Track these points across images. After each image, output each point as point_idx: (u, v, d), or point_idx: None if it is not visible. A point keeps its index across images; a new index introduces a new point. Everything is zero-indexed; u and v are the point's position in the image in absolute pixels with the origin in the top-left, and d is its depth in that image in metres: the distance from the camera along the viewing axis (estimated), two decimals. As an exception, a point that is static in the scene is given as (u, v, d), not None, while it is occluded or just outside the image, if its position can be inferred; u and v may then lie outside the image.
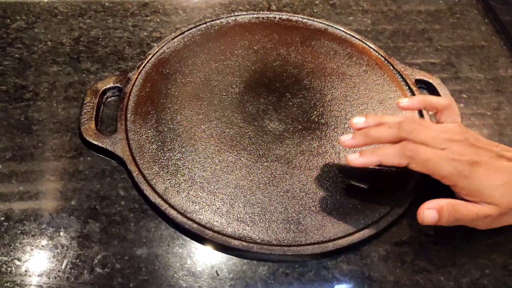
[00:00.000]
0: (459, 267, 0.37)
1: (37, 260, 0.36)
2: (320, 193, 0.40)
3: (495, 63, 0.55)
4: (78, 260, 0.36)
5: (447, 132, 0.37)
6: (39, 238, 0.37)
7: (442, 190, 0.37)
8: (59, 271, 0.36)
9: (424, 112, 0.47)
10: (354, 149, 0.41)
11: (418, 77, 0.51)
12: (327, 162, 0.43)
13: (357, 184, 0.41)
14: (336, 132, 0.45)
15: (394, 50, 0.55)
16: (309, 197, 0.40)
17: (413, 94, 0.49)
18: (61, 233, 0.38)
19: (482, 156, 0.36)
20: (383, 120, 0.39)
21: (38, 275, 0.35)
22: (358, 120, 0.40)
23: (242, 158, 0.42)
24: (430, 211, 0.35)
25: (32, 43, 0.52)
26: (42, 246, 0.37)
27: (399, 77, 0.51)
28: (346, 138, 0.39)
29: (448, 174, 0.35)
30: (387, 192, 0.41)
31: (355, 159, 0.38)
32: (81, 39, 0.53)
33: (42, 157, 0.42)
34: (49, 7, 0.57)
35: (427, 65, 0.54)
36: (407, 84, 0.50)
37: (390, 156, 0.36)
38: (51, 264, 0.36)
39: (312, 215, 0.39)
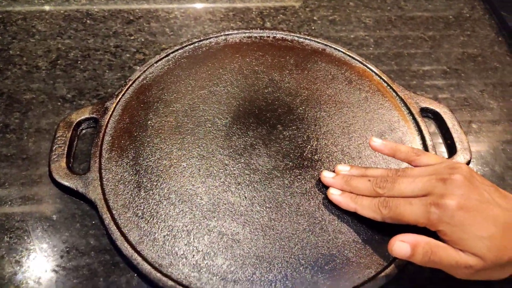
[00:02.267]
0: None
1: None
2: (311, 244, 0.36)
3: (510, 88, 0.50)
4: (39, 323, 0.33)
5: (430, 174, 0.34)
6: (-2, 296, 0.34)
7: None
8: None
9: (429, 142, 0.43)
10: None
11: (424, 105, 0.46)
12: (319, 206, 0.38)
13: (352, 235, 0.37)
14: (330, 169, 0.41)
15: (398, 73, 0.51)
16: (299, 249, 0.36)
17: (418, 125, 0.45)
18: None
19: (470, 199, 0.31)
20: (367, 173, 0.38)
21: None
22: (342, 168, 0.40)
23: (226, 203, 0.38)
24: (403, 245, 0.32)
25: (6, 67, 0.49)
26: (1, 305, 0.33)
27: (403, 105, 0.46)
28: (328, 176, 0.39)
29: (426, 221, 0.32)
30: (385, 243, 0.37)
31: (335, 195, 0.38)
32: (58, 61, 0.49)
33: (9, 199, 0.39)
34: (26, 25, 0.53)
35: (433, 90, 0.49)
36: (411, 114, 0.46)
37: (365, 208, 0.36)
38: (8, 328, 0.32)
39: (302, 271, 0.35)
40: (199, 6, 0.57)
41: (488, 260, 0.31)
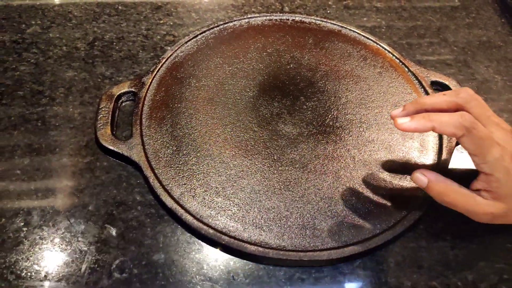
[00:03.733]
0: (476, 272, 0.37)
1: (56, 265, 0.37)
2: (336, 198, 0.40)
3: (512, 63, 0.54)
4: (96, 265, 0.37)
5: (496, 117, 0.36)
6: (58, 243, 0.38)
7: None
8: (78, 276, 0.36)
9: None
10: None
11: (433, 79, 0.50)
12: (342, 166, 0.43)
13: (373, 189, 0.41)
14: (350, 136, 0.45)
15: (409, 51, 0.55)
16: (324, 202, 0.40)
17: (429, 96, 0.49)
18: (79, 238, 0.38)
19: None
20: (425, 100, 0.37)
21: (57, 280, 0.36)
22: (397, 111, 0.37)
23: (256, 163, 0.42)
24: (422, 177, 0.36)
25: (48, 48, 0.53)
26: (61, 251, 0.37)
27: (414, 79, 0.50)
28: (396, 112, 0.37)
29: (493, 161, 0.33)
30: (404, 197, 0.41)
31: (405, 123, 0.34)
32: (96, 43, 0.54)
33: (60, 163, 0.43)
34: (63, 11, 0.57)
35: (442, 65, 0.53)
36: (423, 86, 0.50)
37: (446, 124, 0.33)
38: (70, 269, 0.36)
39: (328, 220, 0.39)
40: (221, -7, 0.61)
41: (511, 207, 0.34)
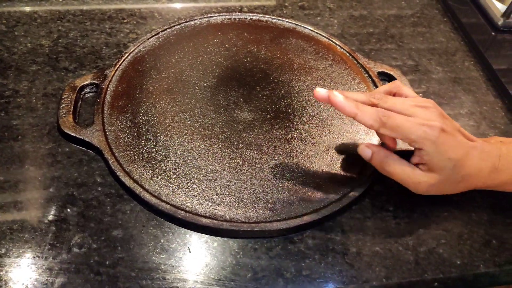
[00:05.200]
0: (416, 238, 0.40)
1: (16, 242, 0.38)
2: (287, 175, 0.43)
3: (453, 57, 0.59)
4: (56, 242, 0.38)
5: (413, 100, 0.40)
6: (19, 223, 0.39)
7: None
8: (37, 252, 0.37)
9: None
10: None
11: (380, 70, 0.54)
12: (293, 147, 0.45)
13: (322, 167, 0.44)
14: (302, 120, 0.48)
15: (359, 47, 0.59)
16: (276, 178, 0.43)
17: (376, 85, 0.52)
18: (40, 218, 0.39)
19: (447, 125, 0.38)
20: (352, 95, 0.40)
21: (17, 256, 0.37)
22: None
23: (213, 146, 0.45)
24: (367, 149, 0.40)
25: (12, 45, 0.54)
26: (21, 229, 0.38)
27: (363, 70, 0.54)
28: (320, 89, 0.39)
29: (417, 138, 0.37)
30: (350, 173, 0.44)
31: (338, 97, 0.38)
32: (60, 40, 0.55)
33: (22, 149, 0.44)
34: (29, 11, 0.59)
35: (389, 60, 0.58)
36: (370, 77, 0.53)
37: (367, 115, 0.38)
38: (29, 245, 0.37)
39: (279, 195, 0.41)
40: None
41: (446, 175, 0.38)
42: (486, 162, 0.39)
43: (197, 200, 0.41)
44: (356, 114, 0.38)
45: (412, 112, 0.38)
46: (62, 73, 0.52)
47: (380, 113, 0.38)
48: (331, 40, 0.58)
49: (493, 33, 0.62)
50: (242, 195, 0.41)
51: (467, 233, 0.41)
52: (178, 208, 0.40)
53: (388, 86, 0.44)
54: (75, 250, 0.38)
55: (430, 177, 0.38)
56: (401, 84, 0.43)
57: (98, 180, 0.42)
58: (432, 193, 0.40)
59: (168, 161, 0.43)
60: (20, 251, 0.37)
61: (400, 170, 0.39)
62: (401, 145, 0.44)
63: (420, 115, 0.38)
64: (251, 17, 0.60)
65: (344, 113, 0.38)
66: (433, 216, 0.42)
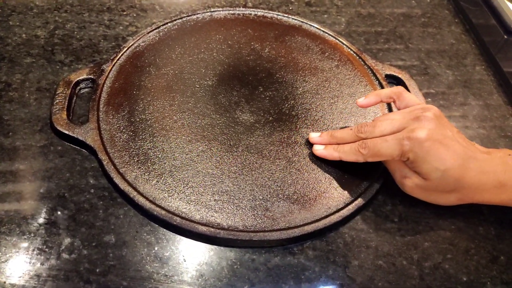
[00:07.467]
0: (421, 251, 0.38)
1: (3, 246, 0.36)
2: (288, 182, 0.41)
3: (464, 60, 0.57)
4: (45, 246, 0.36)
5: (409, 111, 0.39)
6: (6, 224, 0.37)
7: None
8: (25, 256, 0.36)
9: (393, 105, 0.48)
10: None
11: (388, 72, 0.52)
12: (296, 152, 0.43)
13: (324, 174, 0.42)
14: (306, 123, 0.46)
15: (367, 47, 0.57)
16: (277, 185, 0.41)
17: (383, 88, 0.50)
18: (29, 221, 0.38)
19: (439, 134, 0.36)
20: (335, 134, 0.42)
21: (4, 261, 0.35)
22: (314, 135, 0.44)
23: (212, 148, 0.43)
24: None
25: (7, 35, 0.52)
26: (9, 232, 0.37)
27: (370, 72, 0.52)
28: (314, 135, 0.44)
29: (399, 153, 0.37)
30: (353, 182, 0.42)
31: (319, 150, 0.43)
32: (56, 32, 0.53)
33: (12, 146, 0.42)
34: (25, 0, 0.57)
35: (397, 61, 0.55)
36: (377, 79, 0.51)
37: (347, 153, 0.40)
38: (17, 250, 0.36)
39: (279, 203, 0.40)
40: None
41: (434, 184, 0.37)
42: (488, 175, 0.37)
43: (194, 206, 0.39)
44: (339, 157, 0.41)
45: (403, 125, 0.38)
46: (57, 67, 0.50)
47: (357, 146, 0.39)
48: (338, 39, 0.56)
49: (505, 36, 0.60)
50: (241, 202, 0.39)
51: (474, 248, 0.39)
52: (173, 214, 0.38)
53: (390, 91, 0.42)
54: (65, 255, 0.36)
55: (419, 178, 0.38)
56: (403, 91, 0.42)
57: (91, 181, 0.41)
58: (419, 196, 0.39)
59: (165, 163, 0.41)
60: (7, 256, 0.36)
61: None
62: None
63: (410, 127, 0.37)
64: (256, 13, 0.58)
65: (329, 159, 0.42)
66: (439, 229, 0.40)
